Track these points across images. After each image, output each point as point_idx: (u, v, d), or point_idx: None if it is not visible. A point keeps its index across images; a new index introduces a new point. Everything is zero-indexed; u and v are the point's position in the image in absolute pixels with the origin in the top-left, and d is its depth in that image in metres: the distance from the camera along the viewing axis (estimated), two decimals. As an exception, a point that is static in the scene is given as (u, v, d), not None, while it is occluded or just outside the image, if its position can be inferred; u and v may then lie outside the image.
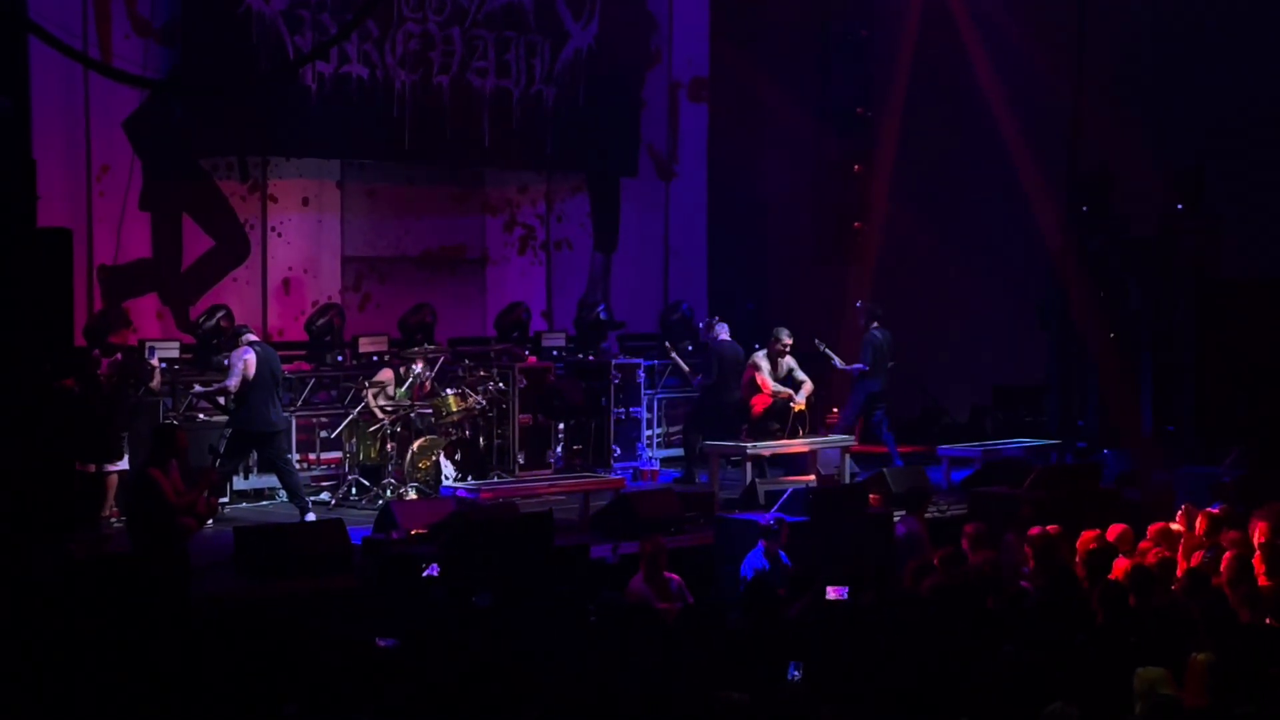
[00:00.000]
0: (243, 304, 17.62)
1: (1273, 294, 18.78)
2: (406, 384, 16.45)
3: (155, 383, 15.13)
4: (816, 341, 18.06)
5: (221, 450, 14.82)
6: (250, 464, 16.02)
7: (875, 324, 18.37)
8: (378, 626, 10.04)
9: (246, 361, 14.70)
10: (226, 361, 15.23)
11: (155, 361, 15.21)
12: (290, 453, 16.10)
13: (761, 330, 17.58)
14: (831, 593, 10.40)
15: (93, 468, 14.34)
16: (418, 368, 16.52)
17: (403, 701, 8.63)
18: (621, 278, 21.57)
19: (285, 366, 15.80)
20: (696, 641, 9.67)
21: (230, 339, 15.52)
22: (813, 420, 16.92)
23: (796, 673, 8.64)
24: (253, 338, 15.08)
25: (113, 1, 16.87)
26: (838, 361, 17.98)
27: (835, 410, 18.70)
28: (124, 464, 14.56)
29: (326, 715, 8.46)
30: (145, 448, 13.19)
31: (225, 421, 15.34)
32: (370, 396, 16.28)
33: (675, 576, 12.02)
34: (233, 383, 14.73)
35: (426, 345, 17.32)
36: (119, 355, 15.01)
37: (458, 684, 8.76)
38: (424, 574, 11.59)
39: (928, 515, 14.41)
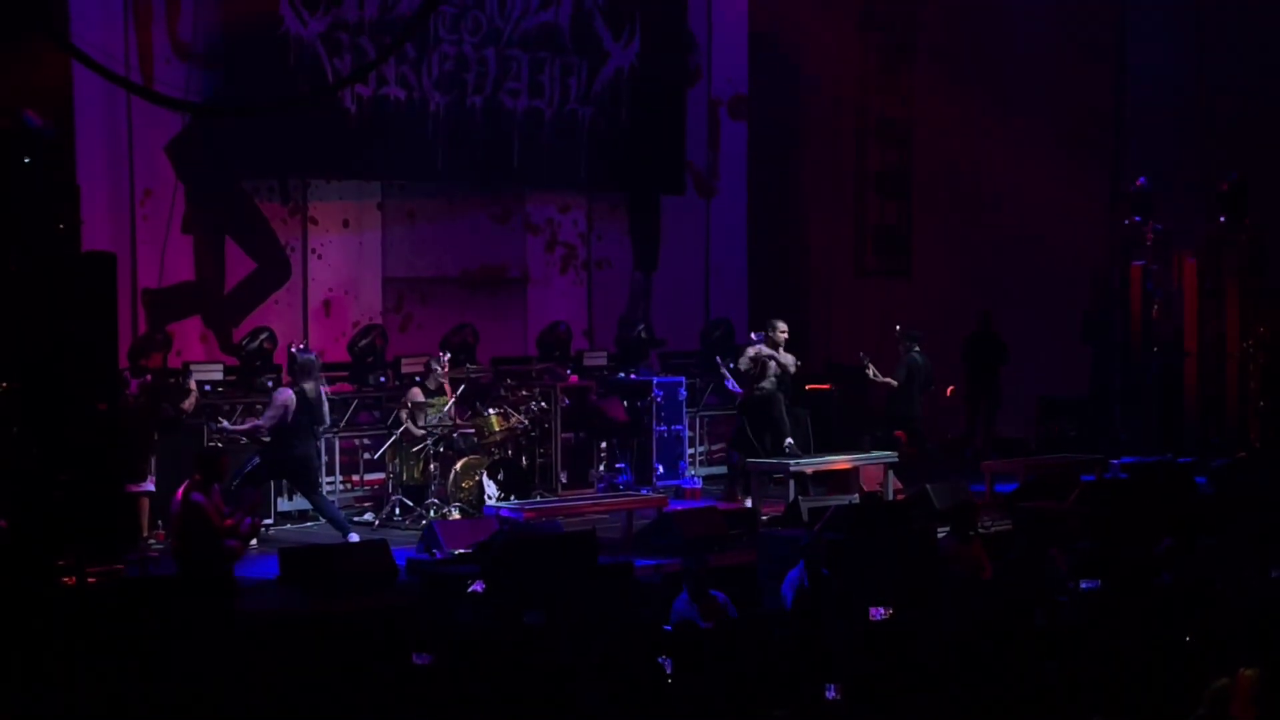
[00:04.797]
0: (284, 326, 17.64)
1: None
2: (435, 389, 16.42)
3: (189, 404, 15.05)
4: (861, 355, 18.03)
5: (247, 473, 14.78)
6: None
7: (916, 348, 18.29)
8: (423, 644, 10.05)
9: (288, 406, 14.67)
10: (272, 392, 15.19)
11: (192, 384, 15.18)
12: (332, 475, 16.11)
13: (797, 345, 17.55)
14: (874, 613, 10.35)
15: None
16: (436, 367, 16.52)
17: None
18: (662, 296, 21.55)
19: (327, 388, 15.66)
20: (736, 658, 9.65)
21: (271, 367, 15.44)
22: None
23: (835, 694, 8.61)
24: (288, 392, 14.89)
25: (154, 26, 16.95)
26: (874, 372, 17.88)
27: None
28: (149, 485, 14.53)
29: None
30: (186, 469, 13.22)
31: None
32: (405, 417, 16.29)
33: (720, 594, 12.01)
34: (265, 423, 14.70)
35: (468, 365, 17.35)
36: (148, 377, 15.00)
37: (502, 701, 8.76)
38: (469, 589, 11.65)
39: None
